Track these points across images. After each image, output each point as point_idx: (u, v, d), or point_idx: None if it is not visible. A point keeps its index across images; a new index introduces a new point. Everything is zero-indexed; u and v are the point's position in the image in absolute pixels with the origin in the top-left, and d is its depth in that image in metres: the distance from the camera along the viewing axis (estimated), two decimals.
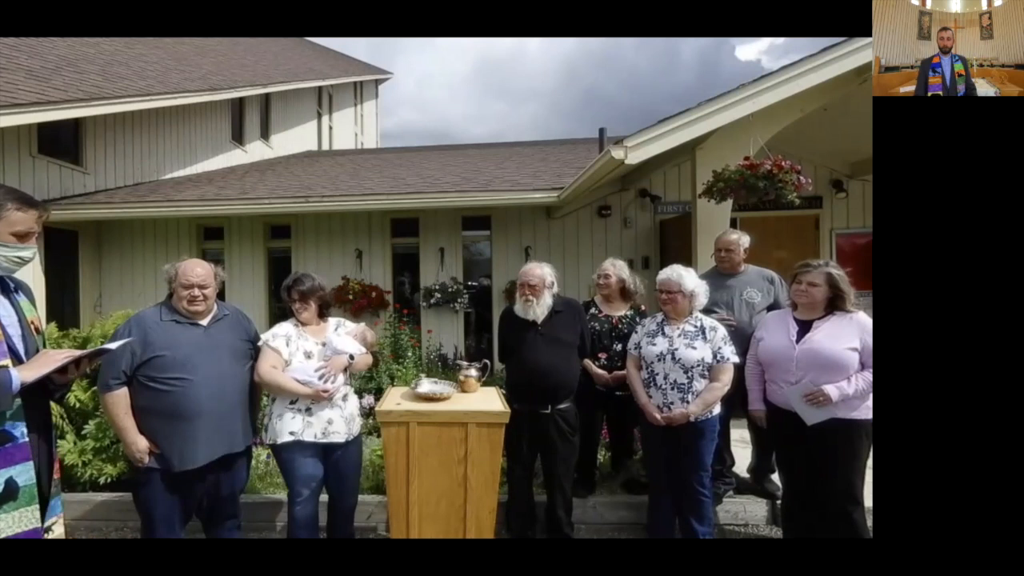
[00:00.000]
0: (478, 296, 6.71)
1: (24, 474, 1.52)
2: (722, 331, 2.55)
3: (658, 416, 2.50)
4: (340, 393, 2.45)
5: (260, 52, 12.22)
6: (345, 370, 2.47)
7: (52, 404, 1.71)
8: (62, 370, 1.56)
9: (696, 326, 2.56)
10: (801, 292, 2.41)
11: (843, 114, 4.64)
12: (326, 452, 2.44)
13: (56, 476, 1.72)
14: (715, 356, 2.49)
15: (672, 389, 2.51)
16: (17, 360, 1.56)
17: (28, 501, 1.51)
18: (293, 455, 2.38)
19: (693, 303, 2.58)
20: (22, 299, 1.67)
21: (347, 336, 2.56)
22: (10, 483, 1.49)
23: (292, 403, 2.39)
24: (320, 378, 2.36)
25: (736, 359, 2.51)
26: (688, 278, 2.56)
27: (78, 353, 1.59)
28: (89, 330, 3.59)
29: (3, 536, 1.48)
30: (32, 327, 1.64)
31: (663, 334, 2.59)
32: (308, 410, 2.39)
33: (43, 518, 1.60)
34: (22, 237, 1.58)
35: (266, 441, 2.45)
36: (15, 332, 1.58)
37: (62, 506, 1.75)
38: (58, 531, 1.71)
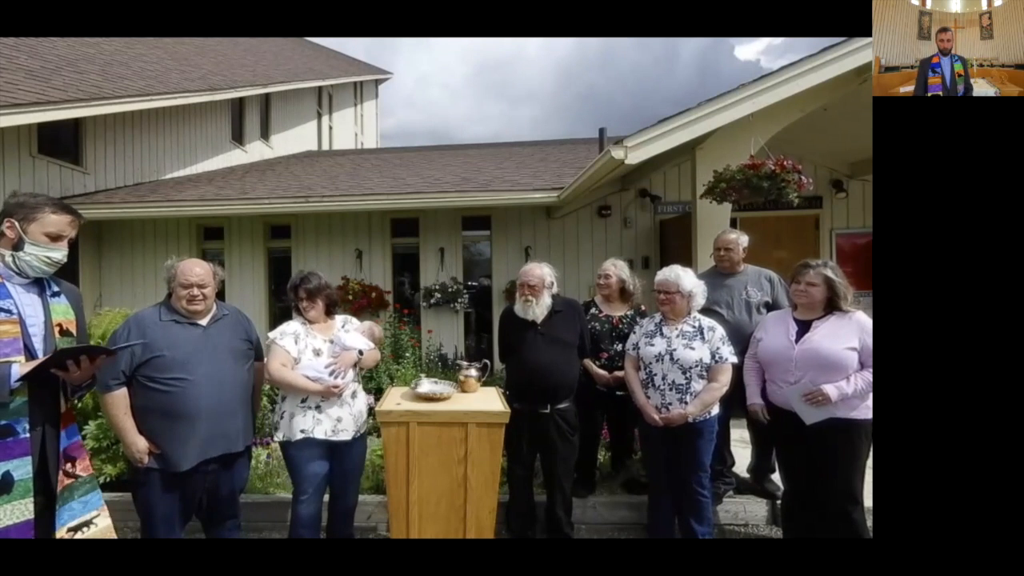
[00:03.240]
0: (478, 296, 6.70)
1: (21, 468, 1.56)
2: (720, 331, 2.55)
3: (656, 417, 2.50)
4: (349, 390, 2.46)
5: (260, 52, 12.22)
6: (355, 366, 2.48)
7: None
8: (62, 367, 1.58)
9: (694, 326, 2.56)
10: (800, 292, 2.41)
11: (843, 114, 4.63)
12: (332, 450, 2.45)
13: (87, 472, 1.74)
14: (713, 356, 2.49)
15: (670, 390, 2.51)
16: (33, 359, 1.60)
17: (23, 495, 1.56)
18: (302, 453, 2.39)
19: (691, 303, 2.58)
20: (59, 302, 1.74)
21: (355, 332, 2.57)
22: (6, 476, 1.53)
23: (303, 401, 2.40)
24: (331, 374, 2.37)
25: (735, 359, 2.51)
26: (686, 278, 2.56)
27: (73, 348, 1.62)
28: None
29: None
30: (57, 329, 1.70)
31: (661, 334, 2.59)
32: (318, 407, 2.41)
33: (55, 513, 1.62)
34: (55, 239, 1.69)
35: (276, 439, 2.47)
36: (37, 332, 1.64)
37: (102, 499, 1.77)
38: (103, 523, 1.74)
